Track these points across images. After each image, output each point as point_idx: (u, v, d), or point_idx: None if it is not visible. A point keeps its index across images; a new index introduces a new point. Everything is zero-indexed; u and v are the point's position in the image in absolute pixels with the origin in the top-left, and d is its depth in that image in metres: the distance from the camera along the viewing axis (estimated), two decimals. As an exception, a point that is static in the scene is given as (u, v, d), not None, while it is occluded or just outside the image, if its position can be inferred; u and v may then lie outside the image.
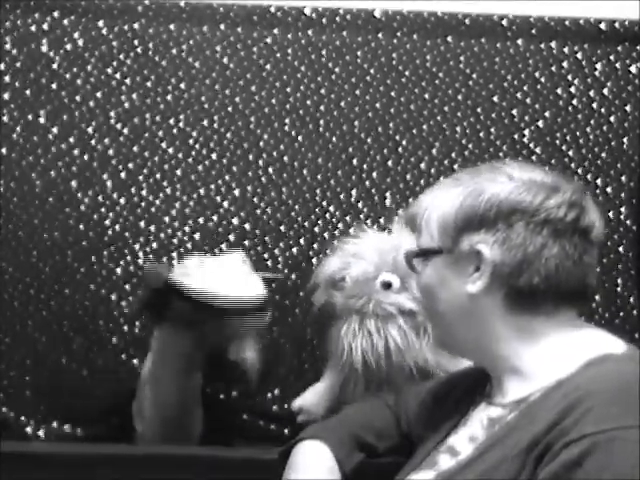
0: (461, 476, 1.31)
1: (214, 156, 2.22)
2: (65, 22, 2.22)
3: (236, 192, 2.21)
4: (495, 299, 1.35)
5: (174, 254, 2.17)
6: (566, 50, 2.25)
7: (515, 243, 1.33)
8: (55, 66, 2.21)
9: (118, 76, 2.22)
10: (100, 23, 2.22)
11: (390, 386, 1.76)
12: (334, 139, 2.22)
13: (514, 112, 2.24)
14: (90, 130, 2.21)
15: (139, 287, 2.00)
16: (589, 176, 2.23)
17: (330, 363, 1.87)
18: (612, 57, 2.25)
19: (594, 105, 2.24)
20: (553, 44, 2.25)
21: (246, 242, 2.19)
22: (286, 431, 2.09)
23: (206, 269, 1.89)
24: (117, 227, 2.19)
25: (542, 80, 2.24)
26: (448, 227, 1.37)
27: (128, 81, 2.22)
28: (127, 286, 2.16)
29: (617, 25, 2.25)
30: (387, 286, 1.79)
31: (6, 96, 2.20)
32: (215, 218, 2.20)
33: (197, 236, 2.19)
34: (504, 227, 1.34)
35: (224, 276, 1.88)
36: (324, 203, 2.21)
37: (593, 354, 1.31)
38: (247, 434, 2.13)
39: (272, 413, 2.14)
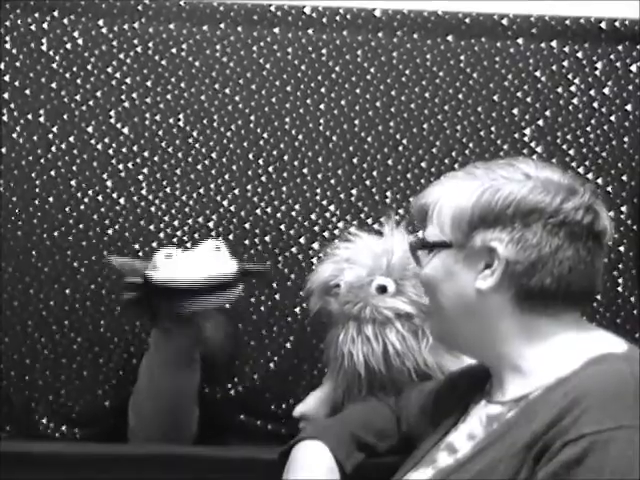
0: (459, 475, 1.31)
1: (214, 155, 2.21)
2: (65, 22, 2.22)
3: (236, 192, 2.21)
4: (504, 297, 1.35)
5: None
6: (566, 49, 2.24)
7: (531, 243, 1.33)
8: (55, 66, 2.21)
9: (118, 76, 2.22)
10: (100, 23, 2.22)
11: (392, 388, 1.76)
12: (334, 139, 2.22)
13: (515, 111, 2.23)
14: (90, 130, 2.21)
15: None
16: (590, 175, 2.22)
17: (329, 369, 1.86)
18: (612, 56, 2.24)
19: (595, 104, 2.24)
20: (553, 43, 2.24)
21: (246, 242, 2.19)
22: (283, 430, 2.09)
23: (174, 260, 1.90)
24: (117, 227, 2.19)
25: (543, 79, 2.24)
26: (462, 221, 1.37)
27: (128, 81, 2.22)
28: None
29: (617, 24, 2.24)
30: (382, 290, 1.77)
31: (6, 96, 2.20)
32: (215, 218, 2.20)
33: (197, 236, 2.19)
34: (520, 226, 1.33)
35: (191, 262, 1.89)
36: (324, 203, 2.21)
37: (593, 353, 1.31)
38: (244, 434, 2.13)
39: (270, 412, 2.13)
